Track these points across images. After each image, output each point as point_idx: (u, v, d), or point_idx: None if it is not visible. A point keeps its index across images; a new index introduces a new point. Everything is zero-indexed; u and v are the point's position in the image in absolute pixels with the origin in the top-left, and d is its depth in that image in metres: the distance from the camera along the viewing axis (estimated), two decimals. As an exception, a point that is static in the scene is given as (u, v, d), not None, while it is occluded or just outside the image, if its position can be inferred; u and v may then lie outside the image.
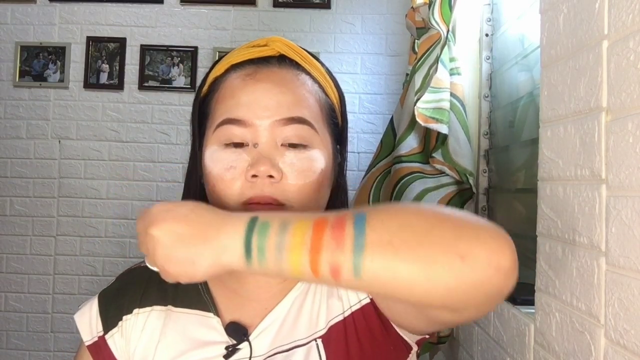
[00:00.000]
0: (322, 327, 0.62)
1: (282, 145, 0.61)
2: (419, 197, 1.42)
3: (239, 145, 0.61)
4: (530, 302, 0.82)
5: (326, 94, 0.68)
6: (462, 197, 1.41)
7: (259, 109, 0.61)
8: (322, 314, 0.63)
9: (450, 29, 1.44)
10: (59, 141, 2.40)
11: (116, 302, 0.68)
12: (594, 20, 0.61)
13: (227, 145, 0.61)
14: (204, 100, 0.68)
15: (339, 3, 2.39)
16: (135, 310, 0.67)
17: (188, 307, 0.67)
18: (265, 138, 0.60)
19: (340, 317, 0.63)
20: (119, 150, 2.40)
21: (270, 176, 0.58)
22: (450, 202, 1.40)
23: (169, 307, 0.67)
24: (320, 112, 0.65)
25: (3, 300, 2.38)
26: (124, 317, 0.67)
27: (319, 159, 0.62)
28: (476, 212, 1.48)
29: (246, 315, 0.65)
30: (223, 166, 0.61)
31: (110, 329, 0.67)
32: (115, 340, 0.66)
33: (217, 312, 0.65)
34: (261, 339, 0.63)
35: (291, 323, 0.63)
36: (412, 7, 1.50)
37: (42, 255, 2.39)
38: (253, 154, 0.60)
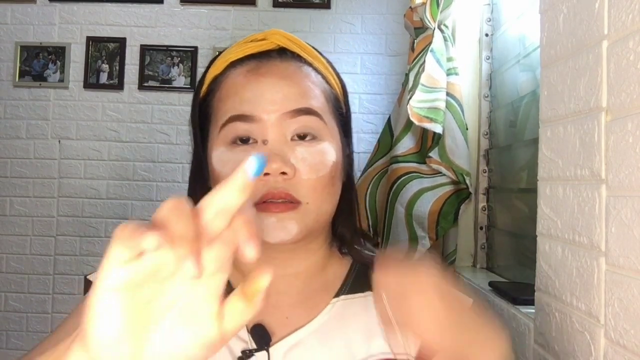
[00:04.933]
0: None
1: (292, 139, 0.59)
2: (415, 198, 1.42)
3: (246, 141, 0.59)
4: (530, 302, 0.82)
5: (330, 85, 0.66)
6: (459, 197, 1.41)
7: (265, 103, 0.59)
8: (361, 349, 0.60)
9: (450, 28, 1.44)
10: (59, 141, 2.40)
11: None
12: (593, 20, 0.61)
13: (234, 143, 0.59)
14: (204, 100, 0.65)
15: (338, 3, 2.39)
16: None
17: None
18: (274, 134, 0.59)
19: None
20: (118, 150, 2.40)
21: (283, 173, 0.57)
22: (447, 201, 1.41)
23: None
24: (327, 103, 0.64)
25: (3, 300, 2.38)
26: None
27: (329, 151, 0.61)
28: (476, 212, 1.48)
29: (268, 321, 0.60)
30: (232, 167, 0.55)
31: None
32: None
33: None
34: (291, 356, 0.59)
35: (323, 353, 0.60)
36: (410, 7, 1.50)
37: (42, 255, 2.39)
38: (263, 151, 0.57)
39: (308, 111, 0.60)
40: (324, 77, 0.65)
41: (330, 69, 0.67)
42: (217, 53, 0.68)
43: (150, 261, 0.32)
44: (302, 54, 0.65)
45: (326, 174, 0.60)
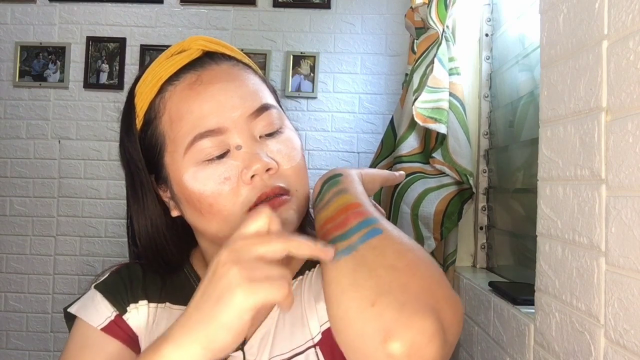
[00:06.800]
0: (316, 333, 0.61)
1: (260, 137, 0.60)
2: (420, 198, 1.42)
3: (221, 157, 0.58)
4: (530, 302, 0.82)
5: (259, 75, 0.66)
6: (462, 197, 1.41)
7: (226, 110, 0.58)
8: (314, 320, 0.62)
9: (450, 28, 1.44)
10: (59, 141, 2.40)
11: (120, 292, 0.65)
12: (593, 21, 0.61)
13: (209, 161, 0.58)
14: (144, 131, 0.62)
15: (339, 3, 2.39)
16: (142, 302, 0.65)
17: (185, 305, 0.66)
18: (244, 137, 0.58)
19: None
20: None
21: (269, 169, 0.57)
22: (451, 202, 1.40)
23: (167, 304, 0.66)
24: (271, 93, 0.65)
25: (3, 300, 2.38)
26: (132, 305, 0.65)
27: (294, 137, 0.63)
28: (476, 212, 1.48)
29: None
30: (217, 181, 0.57)
31: (123, 312, 0.64)
32: (130, 321, 0.64)
33: None
34: (259, 350, 0.61)
35: (285, 331, 0.62)
36: (411, 7, 1.50)
37: (42, 255, 2.39)
38: (241, 157, 0.58)
39: (266, 107, 0.61)
40: (254, 70, 0.66)
41: (248, 58, 0.67)
42: (134, 81, 0.65)
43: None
44: (229, 53, 0.65)
45: (300, 158, 0.62)
